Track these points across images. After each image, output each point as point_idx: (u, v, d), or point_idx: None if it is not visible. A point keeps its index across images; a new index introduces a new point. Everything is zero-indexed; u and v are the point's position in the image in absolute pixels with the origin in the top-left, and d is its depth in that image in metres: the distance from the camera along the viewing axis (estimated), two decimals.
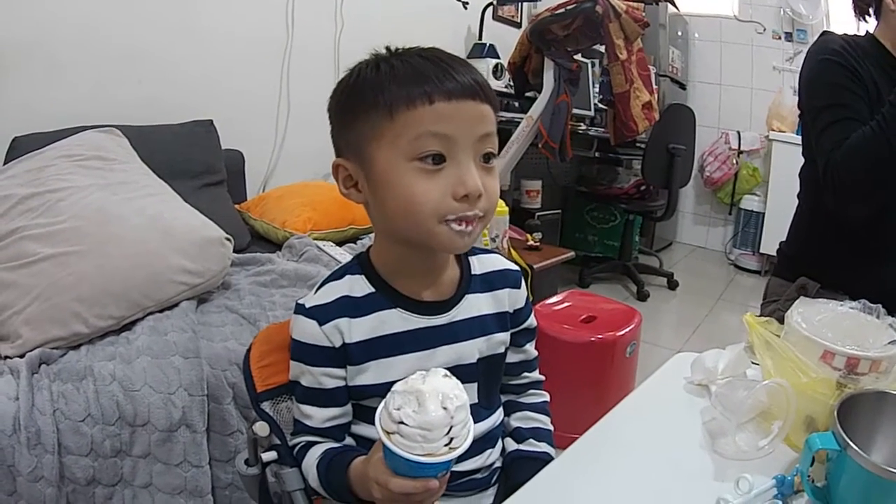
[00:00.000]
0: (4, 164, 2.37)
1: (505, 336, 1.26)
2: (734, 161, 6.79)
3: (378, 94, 1.02)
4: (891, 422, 1.01)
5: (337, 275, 1.19)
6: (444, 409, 0.85)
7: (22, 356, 1.82)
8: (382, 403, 0.90)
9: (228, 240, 2.29)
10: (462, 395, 0.89)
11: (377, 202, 1.09)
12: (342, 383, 1.14)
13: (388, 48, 1.11)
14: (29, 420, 1.58)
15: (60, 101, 2.75)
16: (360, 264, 1.19)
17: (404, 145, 1.01)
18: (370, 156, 1.05)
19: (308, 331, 1.12)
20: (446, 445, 0.86)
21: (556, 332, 2.90)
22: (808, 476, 0.95)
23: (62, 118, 2.64)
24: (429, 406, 0.85)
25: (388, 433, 0.86)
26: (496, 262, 1.30)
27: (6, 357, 1.85)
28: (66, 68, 2.77)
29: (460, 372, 1.15)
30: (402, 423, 0.85)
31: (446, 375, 0.90)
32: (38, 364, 1.80)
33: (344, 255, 2.83)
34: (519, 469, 1.25)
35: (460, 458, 0.89)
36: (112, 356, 1.84)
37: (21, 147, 2.43)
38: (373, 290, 1.15)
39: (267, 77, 3.74)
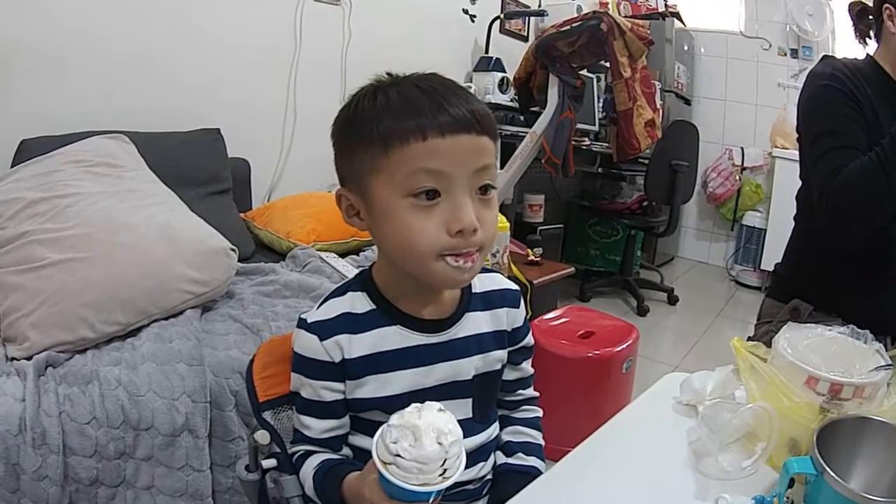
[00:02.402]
0: (12, 166, 2.39)
1: (502, 354, 1.27)
2: (737, 177, 6.79)
3: (374, 128, 1.03)
4: (870, 447, 1.03)
5: (339, 291, 1.21)
6: (440, 444, 0.87)
7: (29, 358, 1.84)
8: (378, 434, 0.91)
9: (233, 250, 2.31)
10: (456, 429, 0.91)
11: (377, 233, 1.11)
12: (341, 396, 1.16)
13: (388, 74, 1.11)
14: (35, 421, 1.61)
15: (67, 106, 2.78)
16: (362, 281, 1.21)
17: (399, 181, 1.02)
18: (369, 189, 1.06)
19: (309, 345, 1.13)
20: (440, 475, 0.88)
21: (553, 348, 2.93)
22: (787, 498, 0.97)
23: (69, 122, 2.66)
24: (424, 441, 0.87)
25: (384, 463, 0.89)
26: (496, 281, 1.31)
27: (13, 359, 1.87)
28: (73, 73, 2.79)
29: (456, 388, 1.18)
30: (398, 455, 0.87)
31: (441, 410, 0.92)
32: (44, 367, 1.82)
33: (347, 266, 2.84)
34: (507, 482, 1.27)
35: None
36: (117, 361, 1.87)
37: (28, 150, 2.45)
38: (373, 307, 1.17)
39: (274, 87, 3.77)
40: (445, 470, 0.89)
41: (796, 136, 2.09)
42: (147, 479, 1.76)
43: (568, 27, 3.92)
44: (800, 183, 2.13)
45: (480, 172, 1.05)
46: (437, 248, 1.03)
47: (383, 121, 1.02)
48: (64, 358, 1.89)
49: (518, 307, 1.32)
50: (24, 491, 1.58)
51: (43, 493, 1.59)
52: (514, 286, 1.34)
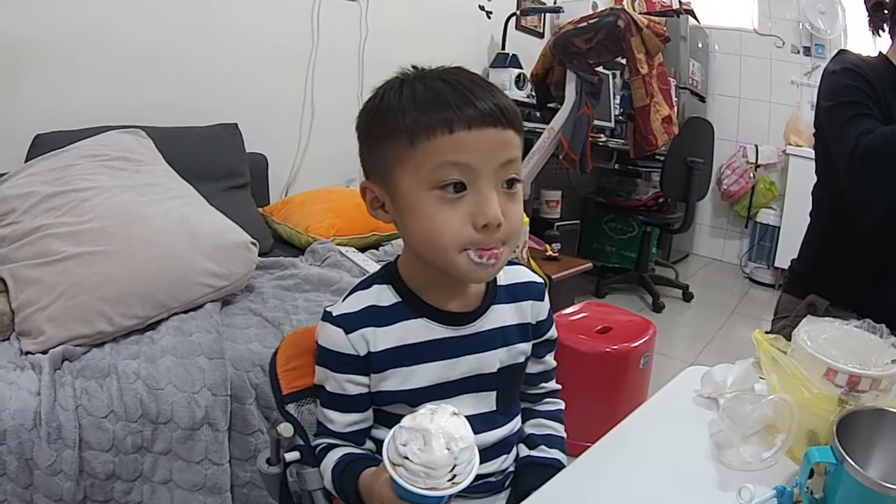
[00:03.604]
0: (26, 161, 2.38)
1: (526, 346, 1.28)
2: (751, 175, 6.79)
3: (399, 121, 1.03)
4: (888, 438, 1.03)
5: (364, 284, 1.21)
6: (448, 450, 0.87)
7: (45, 352, 1.84)
8: (390, 434, 0.92)
9: (254, 244, 2.30)
10: (468, 435, 0.90)
11: (401, 226, 1.11)
12: (365, 390, 1.16)
13: (414, 67, 1.11)
14: (50, 415, 1.60)
15: (81, 102, 2.78)
16: (388, 274, 1.21)
17: (425, 174, 1.02)
18: (394, 181, 1.06)
19: (334, 338, 1.13)
20: (449, 481, 0.88)
21: (571, 342, 2.92)
22: (807, 488, 0.98)
23: (84, 117, 2.67)
24: (433, 446, 0.87)
25: (393, 465, 0.89)
26: (521, 274, 1.31)
27: (28, 353, 1.87)
28: (87, 69, 2.80)
29: (481, 381, 1.19)
30: (406, 458, 0.87)
31: (454, 414, 0.92)
32: (60, 360, 1.82)
33: (366, 260, 2.84)
34: (529, 474, 1.27)
35: None
36: (136, 355, 1.86)
37: (43, 145, 2.44)
38: (399, 299, 1.17)
39: (292, 82, 3.77)
40: (455, 475, 0.89)
41: (814, 130, 2.09)
42: (165, 474, 1.76)
43: (585, 24, 3.92)
44: (814, 179, 2.14)
45: (506, 166, 1.05)
46: (461, 242, 1.03)
47: (409, 114, 1.02)
48: (81, 352, 1.89)
49: (542, 300, 1.32)
50: (37, 486, 1.57)
51: (57, 487, 1.58)
52: (539, 279, 1.34)
